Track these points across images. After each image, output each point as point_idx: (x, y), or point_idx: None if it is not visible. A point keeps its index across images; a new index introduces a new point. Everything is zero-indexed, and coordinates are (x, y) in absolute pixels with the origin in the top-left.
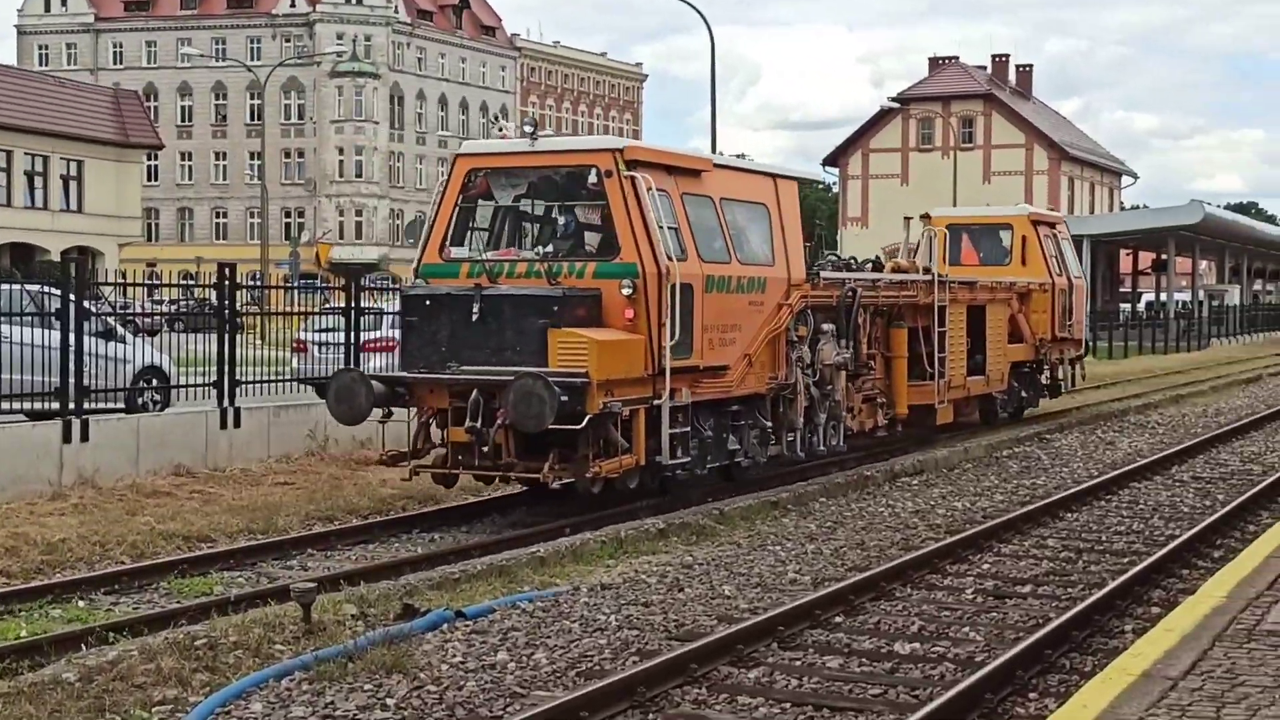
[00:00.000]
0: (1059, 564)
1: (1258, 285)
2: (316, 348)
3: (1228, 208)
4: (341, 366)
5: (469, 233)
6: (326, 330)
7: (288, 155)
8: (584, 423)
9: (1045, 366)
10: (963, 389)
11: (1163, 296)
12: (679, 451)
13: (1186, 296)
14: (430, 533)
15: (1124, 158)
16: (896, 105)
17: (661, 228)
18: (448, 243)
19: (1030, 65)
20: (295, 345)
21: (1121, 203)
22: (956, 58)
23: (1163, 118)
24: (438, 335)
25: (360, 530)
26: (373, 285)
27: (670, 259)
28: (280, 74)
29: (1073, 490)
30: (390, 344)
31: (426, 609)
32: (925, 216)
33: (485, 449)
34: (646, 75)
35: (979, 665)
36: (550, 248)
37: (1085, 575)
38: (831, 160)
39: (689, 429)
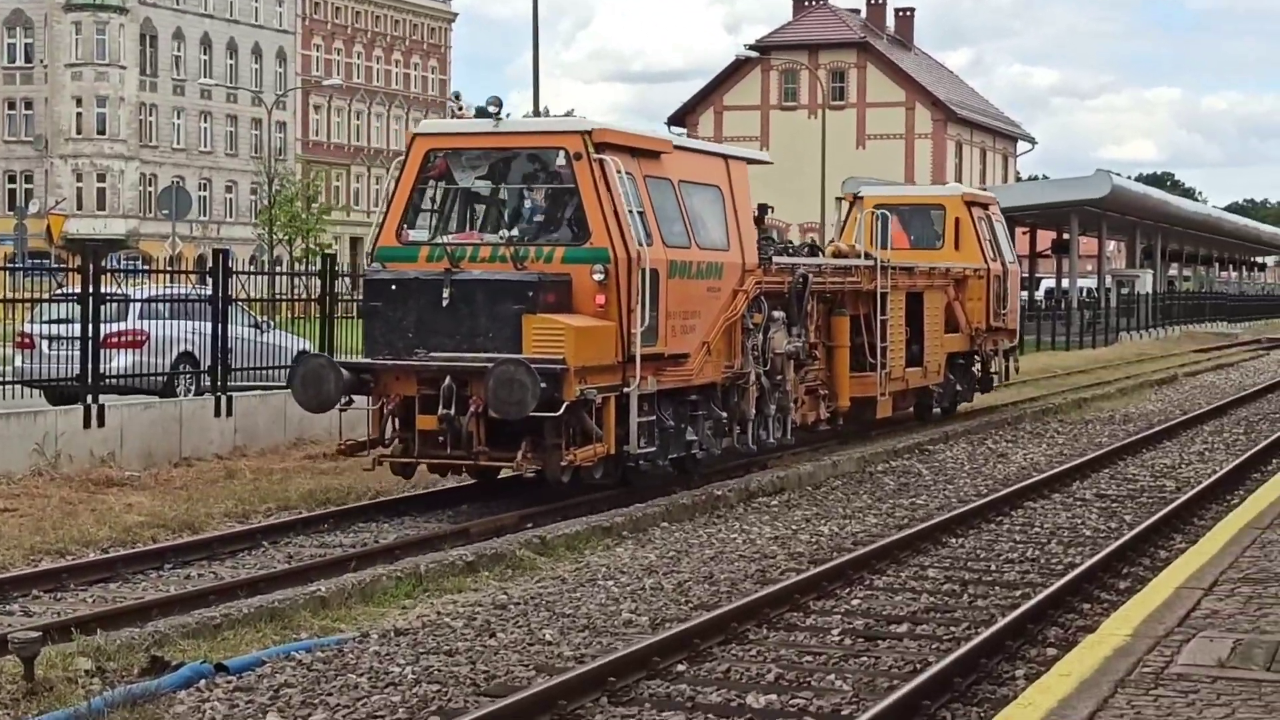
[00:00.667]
0: (941, 598)
1: (1173, 271)
2: (46, 343)
3: (1140, 179)
4: (75, 367)
5: (428, 215)
6: (59, 321)
7: (12, 106)
8: (562, 410)
9: (979, 358)
10: (902, 381)
11: (1064, 283)
12: (643, 441)
13: (1092, 283)
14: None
15: (1020, 120)
16: (755, 55)
17: (630, 212)
18: (404, 225)
19: (911, 10)
20: (18, 341)
21: (1017, 173)
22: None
23: (1065, 73)
24: (404, 321)
25: (99, 566)
26: (119, 268)
27: (639, 244)
28: (2, 6)
29: (958, 511)
30: (138, 338)
31: (179, 662)
32: (858, 197)
33: (458, 438)
34: (455, 14)
35: None
36: (515, 231)
37: (971, 611)
38: (678, 119)
39: (654, 418)
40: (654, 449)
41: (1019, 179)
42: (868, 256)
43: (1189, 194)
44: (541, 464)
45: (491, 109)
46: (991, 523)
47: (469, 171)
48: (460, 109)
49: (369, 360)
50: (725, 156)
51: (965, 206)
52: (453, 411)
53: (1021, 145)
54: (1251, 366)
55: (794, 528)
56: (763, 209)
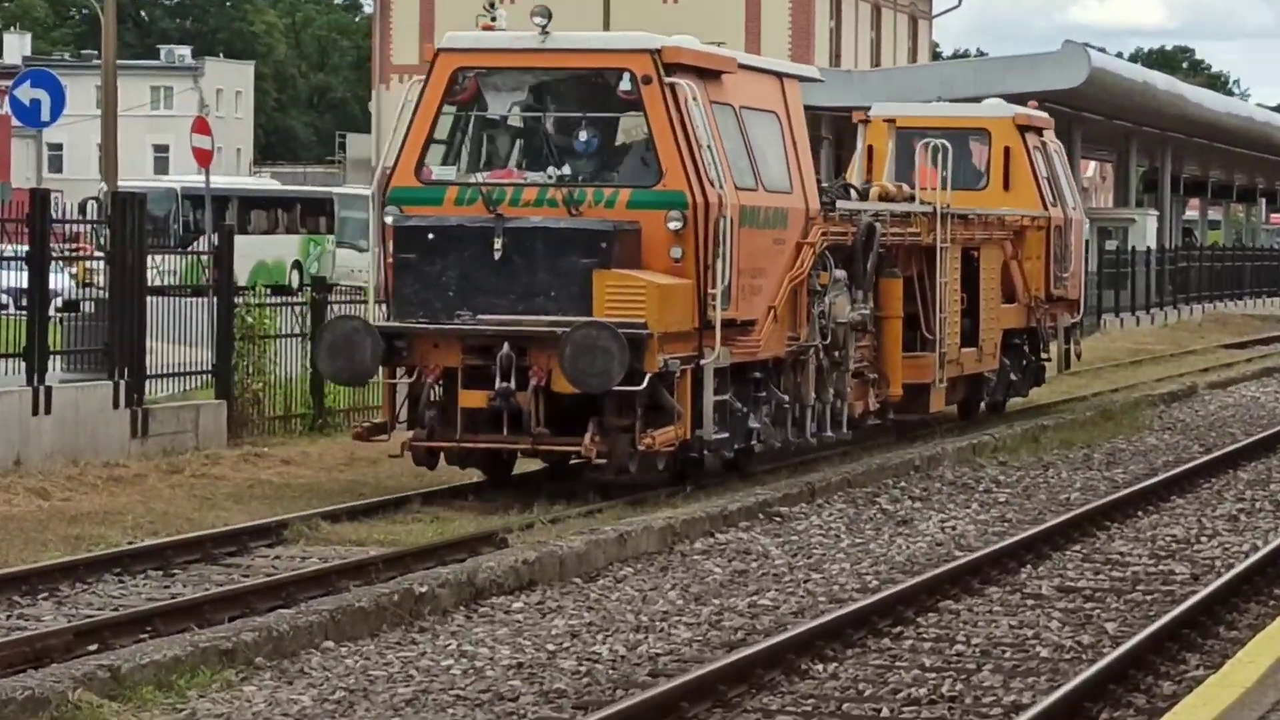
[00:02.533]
0: None
1: (1192, 212)
2: None
3: (1139, 59)
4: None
5: (454, 149)
6: None
7: None
8: (645, 383)
9: (1040, 338)
10: (958, 364)
11: None
12: (716, 425)
13: None
14: None
15: None
16: None
17: (705, 147)
18: (426, 161)
19: None
20: None
21: (934, 46)
22: None
23: None
24: (443, 277)
25: None
26: None
27: (718, 186)
28: None
29: (830, 618)
30: None
31: None
32: (868, 117)
33: (516, 417)
34: None
35: None
36: (567, 170)
37: None
38: None
39: (727, 397)
40: (726, 435)
41: (937, 57)
42: (920, 201)
43: (1218, 83)
44: (609, 449)
45: (538, 20)
46: (885, 636)
47: (507, 96)
48: (494, 20)
49: (401, 324)
50: (780, 75)
51: (1018, 132)
52: (512, 385)
53: (941, 2)
54: None
55: (551, 645)
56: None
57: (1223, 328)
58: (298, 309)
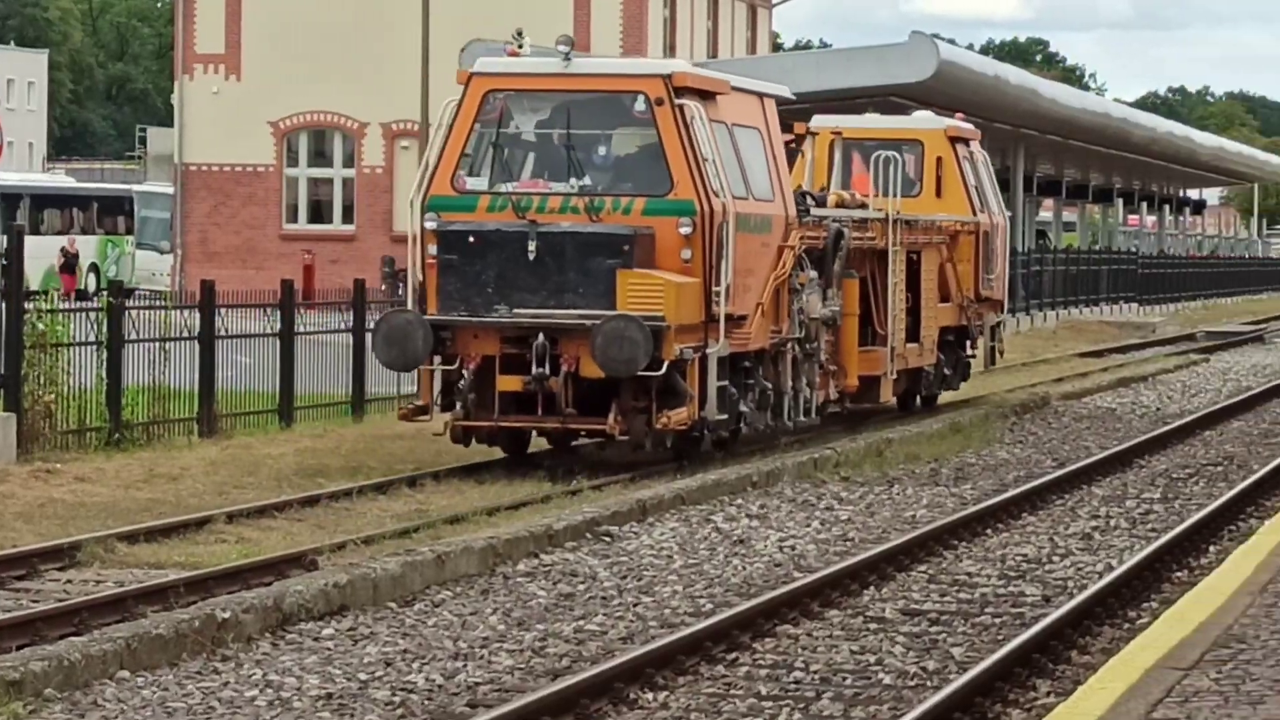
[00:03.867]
0: None
1: (1045, 213)
2: None
3: (990, 51)
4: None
5: (485, 162)
6: None
7: None
8: (663, 369)
9: (969, 335)
10: (903, 358)
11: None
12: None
13: None
14: None
15: None
16: None
17: (709, 161)
18: (461, 173)
19: None
20: None
21: (774, 36)
22: None
23: None
24: (482, 276)
25: None
26: None
27: (722, 195)
28: None
29: (655, 646)
30: None
31: None
32: (810, 131)
33: (549, 399)
34: None
35: None
36: (587, 180)
37: None
38: None
39: (727, 383)
40: (726, 417)
41: (778, 48)
42: (862, 206)
43: (1074, 77)
44: (629, 427)
45: (561, 48)
46: (719, 662)
47: (533, 115)
48: (520, 47)
49: (446, 317)
50: (760, 95)
51: (949, 143)
52: (546, 371)
53: None
54: (1177, 382)
55: (364, 675)
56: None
57: (1078, 335)
58: (94, 315)
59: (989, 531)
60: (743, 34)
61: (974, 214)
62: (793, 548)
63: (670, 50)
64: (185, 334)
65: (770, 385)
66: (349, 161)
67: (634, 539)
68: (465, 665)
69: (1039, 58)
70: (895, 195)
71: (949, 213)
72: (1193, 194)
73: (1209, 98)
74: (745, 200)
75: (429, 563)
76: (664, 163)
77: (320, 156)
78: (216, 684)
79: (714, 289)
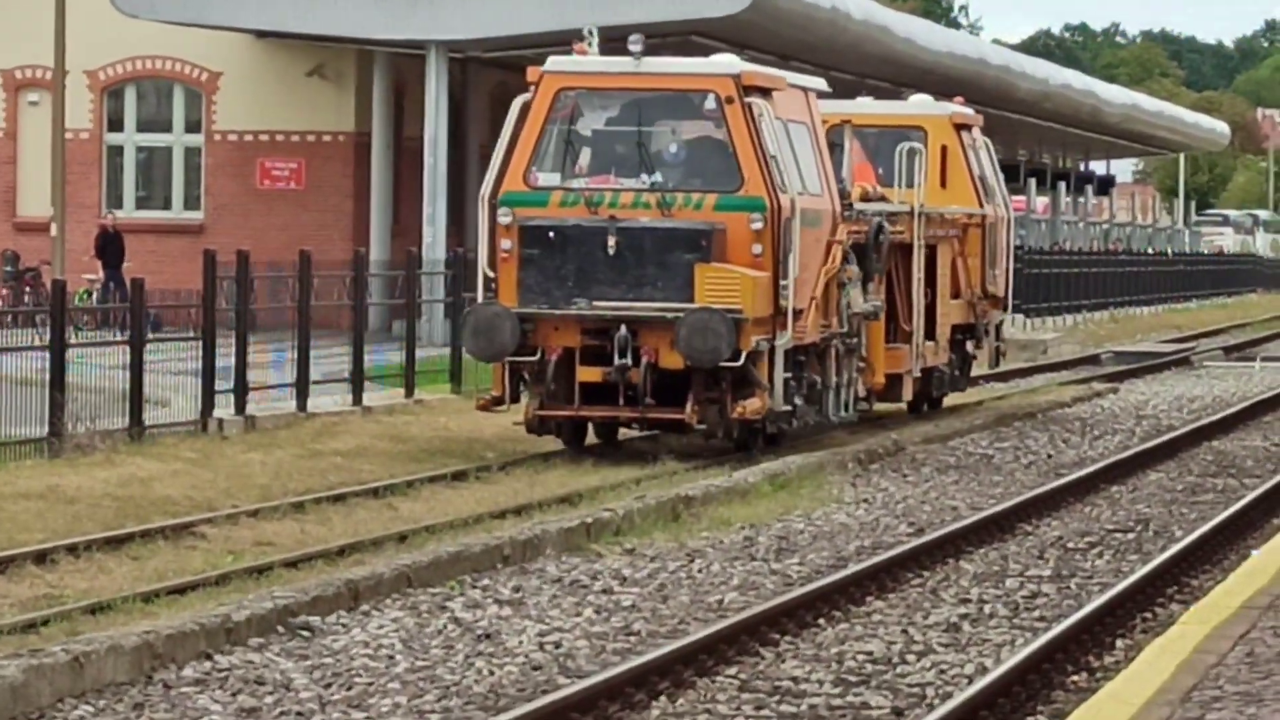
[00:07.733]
0: None
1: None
2: None
3: None
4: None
5: (557, 159)
6: None
7: None
8: (742, 360)
9: (976, 333)
10: (922, 356)
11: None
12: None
13: None
14: None
15: None
16: None
17: (774, 157)
18: (533, 169)
19: None
20: None
21: None
22: None
23: None
24: (562, 270)
25: None
26: None
27: (789, 192)
28: None
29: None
30: None
31: None
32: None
33: (631, 390)
34: None
35: None
36: (658, 177)
37: None
38: None
39: (792, 375)
40: (790, 408)
41: None
42: (885, 200)
43: (939, 9)
44: (704, 417)
45: (634, 48)
46: None
47: (604, 113)
48: (589, 45)
49: (529, 310)
50: (805, 89)
51: (954, 130)
52: (629, 362)
53: None
54: (1075, 420)
55: None
56: None
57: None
58: None
59: (822, 622)
60: None
61: (980, 205)
62: (557, 644)
63: None
64: None
65: (819, 379)
66: None
67: (342, 633)
68: None
69: None
70: (919, 187)
71: (955, 204)
72: (1098, 168)
73: (1119, 38)
74: (802, 195)
75: (60, 667)
76: (734, 159)
77: None
78: None
79: (781, 283)
